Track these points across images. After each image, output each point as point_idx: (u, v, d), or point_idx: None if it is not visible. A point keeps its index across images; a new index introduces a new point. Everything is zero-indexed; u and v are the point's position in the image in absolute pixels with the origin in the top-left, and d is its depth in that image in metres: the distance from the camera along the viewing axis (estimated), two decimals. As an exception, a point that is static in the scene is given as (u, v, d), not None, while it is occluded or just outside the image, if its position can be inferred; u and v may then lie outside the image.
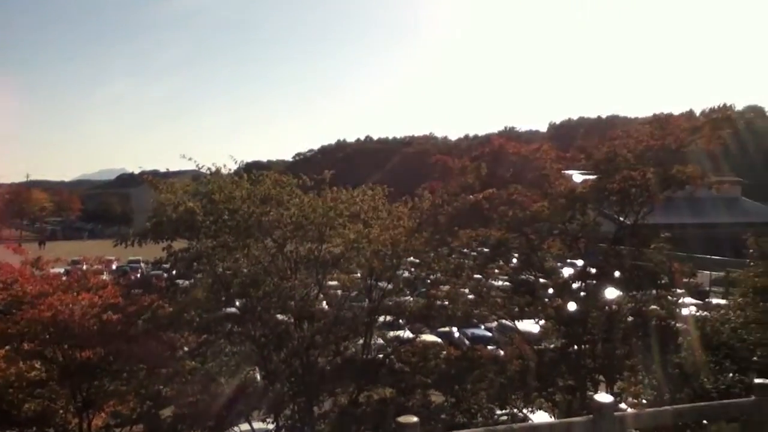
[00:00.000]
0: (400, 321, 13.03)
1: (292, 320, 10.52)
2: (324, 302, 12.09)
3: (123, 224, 79.59)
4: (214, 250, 10.09)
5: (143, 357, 10.04)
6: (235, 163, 11.55)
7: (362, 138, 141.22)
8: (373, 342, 11.25)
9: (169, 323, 10.22)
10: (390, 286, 11.38)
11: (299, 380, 10.20)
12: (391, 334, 12.35)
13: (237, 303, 10.57)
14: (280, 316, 10.70)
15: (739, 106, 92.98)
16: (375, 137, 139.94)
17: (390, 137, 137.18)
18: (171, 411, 10.21)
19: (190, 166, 11.14)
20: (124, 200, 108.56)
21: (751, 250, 11.71)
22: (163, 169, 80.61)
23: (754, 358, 9.65)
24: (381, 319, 11.86)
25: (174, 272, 10.83)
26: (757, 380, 4.83)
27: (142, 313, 10.45)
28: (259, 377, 10.81)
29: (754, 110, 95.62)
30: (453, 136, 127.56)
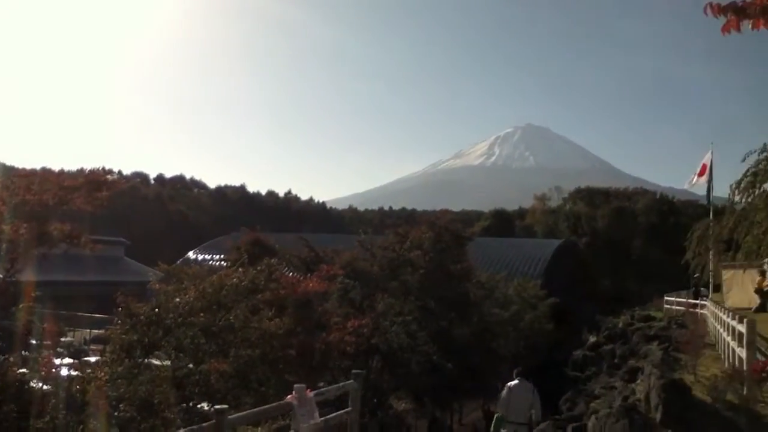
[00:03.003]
0: None
1: None
2: None
3: None
4: None
5: None
6: None
7: None
8: None
9: None
10: None
11: None
12: None
13: None
14: None
15: (126, 171, 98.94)
16: None
17: None
18: None
19: None
20: None
21: (120, 308, 12.27)
22: None
23: (116, 413, 10.10)
24: None
25: None
26: None
27: None
28: None
29: (140, 176, 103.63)
30: None
